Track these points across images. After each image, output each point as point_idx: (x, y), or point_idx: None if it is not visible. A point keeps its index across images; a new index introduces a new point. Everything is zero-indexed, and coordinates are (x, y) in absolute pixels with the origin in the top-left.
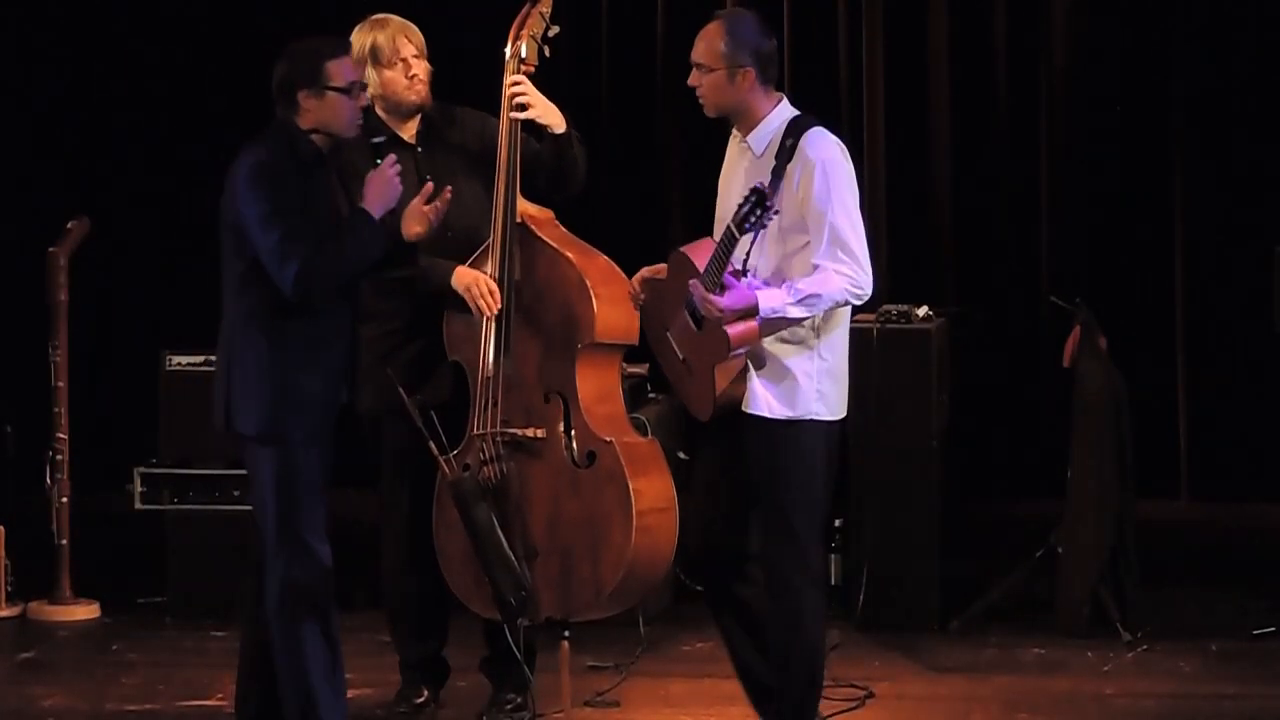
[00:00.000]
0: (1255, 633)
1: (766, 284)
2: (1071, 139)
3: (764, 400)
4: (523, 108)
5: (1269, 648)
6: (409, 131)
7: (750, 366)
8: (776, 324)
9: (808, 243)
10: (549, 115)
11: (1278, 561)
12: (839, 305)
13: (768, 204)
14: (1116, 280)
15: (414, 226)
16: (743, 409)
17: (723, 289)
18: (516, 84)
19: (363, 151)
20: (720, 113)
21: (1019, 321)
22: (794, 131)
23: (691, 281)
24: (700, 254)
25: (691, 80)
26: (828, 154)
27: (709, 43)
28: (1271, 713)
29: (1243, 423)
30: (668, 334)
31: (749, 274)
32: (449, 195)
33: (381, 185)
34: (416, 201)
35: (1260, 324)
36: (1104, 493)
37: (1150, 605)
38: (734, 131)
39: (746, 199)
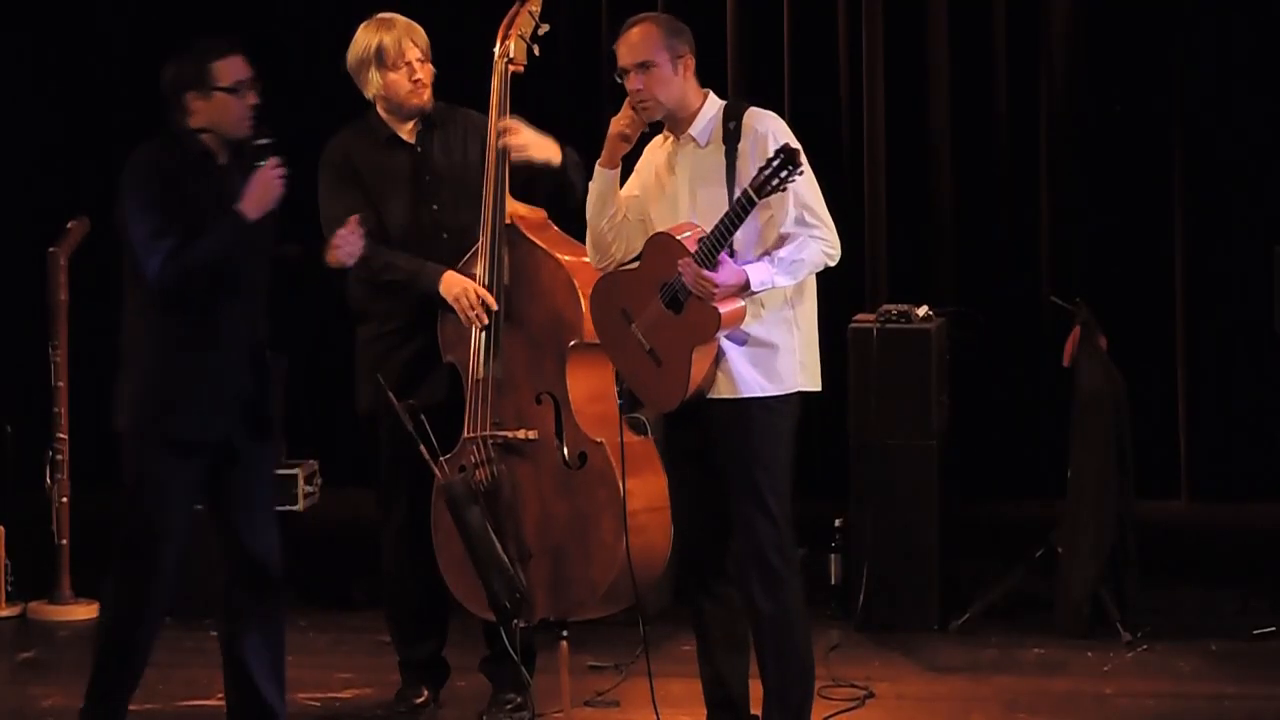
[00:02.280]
0: (1255, 633)
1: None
2: (1071, 139)
3: (752, 379)
4: (513, 149)
5: (1269, 648)
6: (409, 131)
7: (728, 349)
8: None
9: (771, 215)
10: (544, 151)
11: (1278, 561)
12: (815, 269)
13: (798, 163)
14: (1116, 280)
15: (333, 255)
16: (713, 396)
17: (716, 265)
18: (507, 128)
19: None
20: (665, 111)
21: (1019, 321)
22: (733, 114)
23: (682, 260)
24: (684, 236)
25: (633, 84)
26: (775, 125)
27: (646, 39)
28: (1271, 713)
29: (1243, 423)
30: (631, 327)
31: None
32: (355, 222)
33: (262, 188)
34: (343, 231)
35: (1260, 324)
36: (1104, 493)
37: (1150, 605)
38: (661, 137)
39: (771, 161)
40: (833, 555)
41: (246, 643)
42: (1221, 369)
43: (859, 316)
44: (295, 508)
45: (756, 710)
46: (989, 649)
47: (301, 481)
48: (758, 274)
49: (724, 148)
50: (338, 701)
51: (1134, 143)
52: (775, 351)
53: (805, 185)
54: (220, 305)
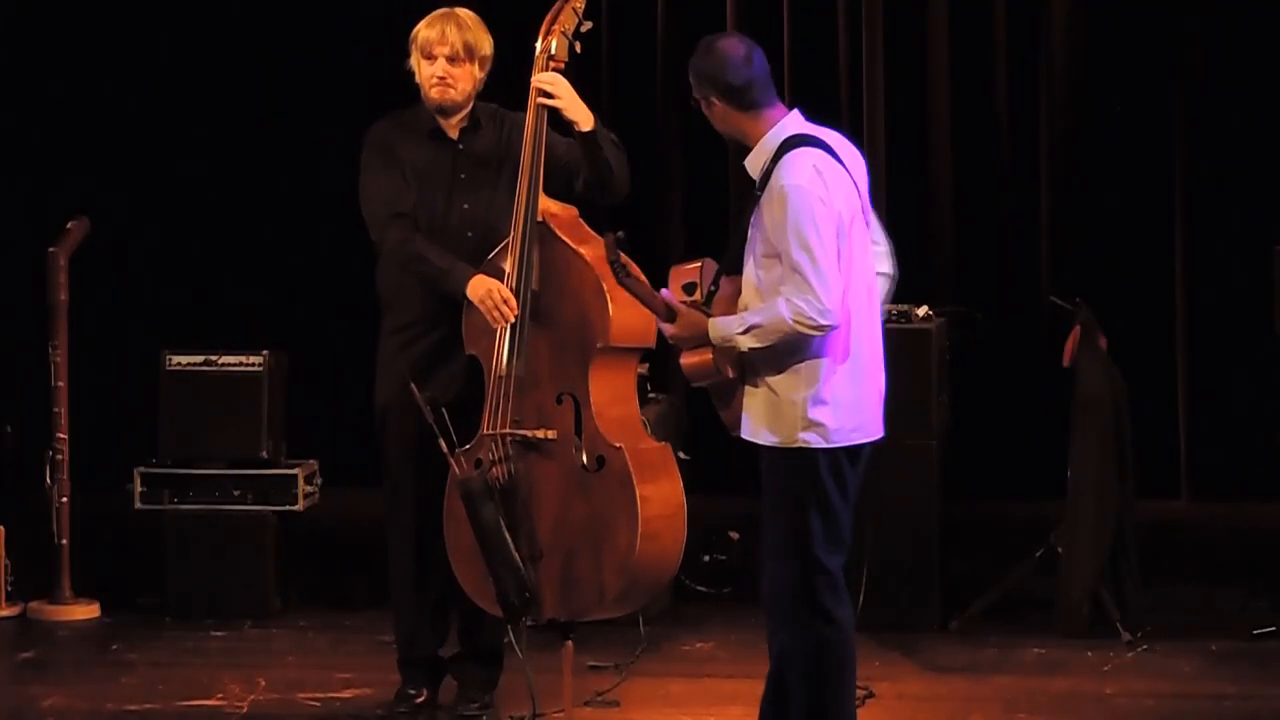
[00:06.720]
0: (1255, 633)
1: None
2: (1071, 139)
3: (752, 426)
4: (548, 95)
5: (1269, 648)
6: (453, 127)
7: (748, 391)
8: (763, 354)
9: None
10: (575, 111)
11: (1278, 561)
12: (788, 334)
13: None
14: (1116, 280)
15: None
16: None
17: (673, 318)
18: (546, 75)
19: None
20: (726, 137)
21: (1019, 321)
22: (779, 155)
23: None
24: (677, 278)
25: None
26: (791, 180)
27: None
28: (1271, 713)
29: (1243, 423)
30: None
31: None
32: None
33: None
34: None
35: (1260, 324)
36: (1104, 493)
37: (1150, 605)
38: None
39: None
40: None
41: None
42: (1221, 369)
43: None
44: (295, 508)
45: None
46: (989, 649)
47: (301, 481)
48: (719, 329)
49: (757, 192)
50: (338, 701)
51: (1134, 143)
52: (780, 403)
53: (796, 248)
54: None
